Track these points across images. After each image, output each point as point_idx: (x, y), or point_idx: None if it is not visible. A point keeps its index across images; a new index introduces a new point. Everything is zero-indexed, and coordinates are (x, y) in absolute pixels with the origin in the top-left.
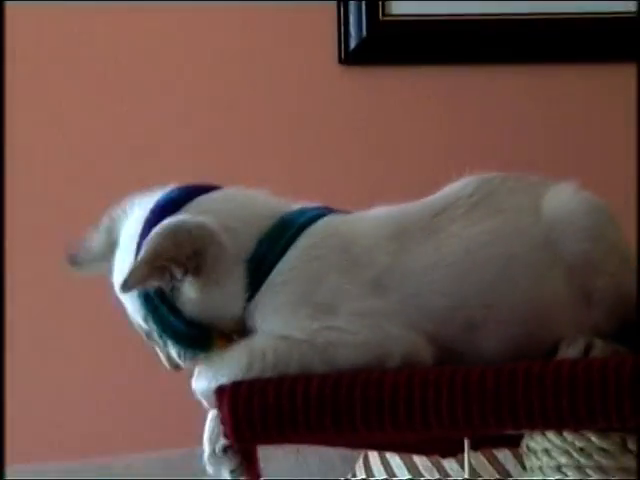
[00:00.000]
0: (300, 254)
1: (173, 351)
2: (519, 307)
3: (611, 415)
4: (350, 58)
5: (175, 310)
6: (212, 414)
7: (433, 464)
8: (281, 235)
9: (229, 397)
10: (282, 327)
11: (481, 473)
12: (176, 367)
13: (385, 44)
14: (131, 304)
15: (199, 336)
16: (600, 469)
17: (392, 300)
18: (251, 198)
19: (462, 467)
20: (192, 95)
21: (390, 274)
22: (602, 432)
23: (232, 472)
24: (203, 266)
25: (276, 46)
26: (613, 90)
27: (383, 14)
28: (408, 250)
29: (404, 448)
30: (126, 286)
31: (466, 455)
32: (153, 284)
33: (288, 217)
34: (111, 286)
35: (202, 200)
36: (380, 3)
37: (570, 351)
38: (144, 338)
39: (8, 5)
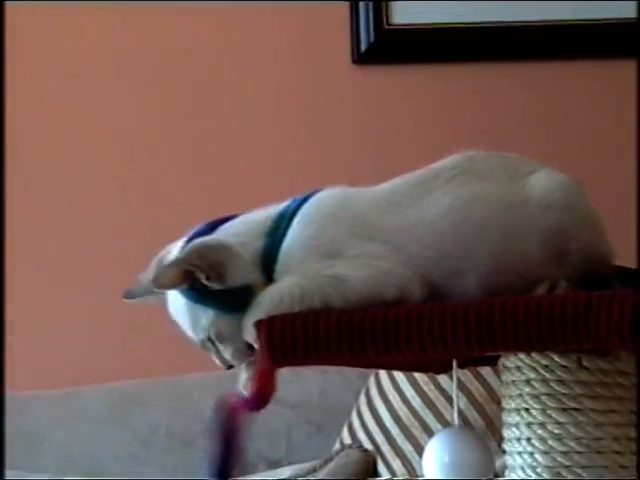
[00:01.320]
0: (297, 226)
1: (227, 353)
2: (494, 260)
3: (569, 339)
4: (361, 59)
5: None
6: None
7: (429, 379)
8: (280, 223)
9: (266, 329)
10: (301, 271)
11: (467, 385)
12: (229, 367)
13: (389, 47)
14: (182, 317)
15: (242, 295)
16: (561, 382)
17: (385, 248)
18: (255, 214)
19: (452, 380)
20: (215, 91)
21: (379, 231)
22: (562, 352)
23: None
24: (225, 274)
25: (302, 48)
26: (613, 86)
27: (387, 24)
28: (396, 212)
29: (407, 367)
30: (156, 281)
31: (454, 372)
32: (183, 285)
33: (283, 209)
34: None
35: (220, 229)
36: (384, 15)
37: (539, 290)
38: (201, 347)
39: (8, 5)
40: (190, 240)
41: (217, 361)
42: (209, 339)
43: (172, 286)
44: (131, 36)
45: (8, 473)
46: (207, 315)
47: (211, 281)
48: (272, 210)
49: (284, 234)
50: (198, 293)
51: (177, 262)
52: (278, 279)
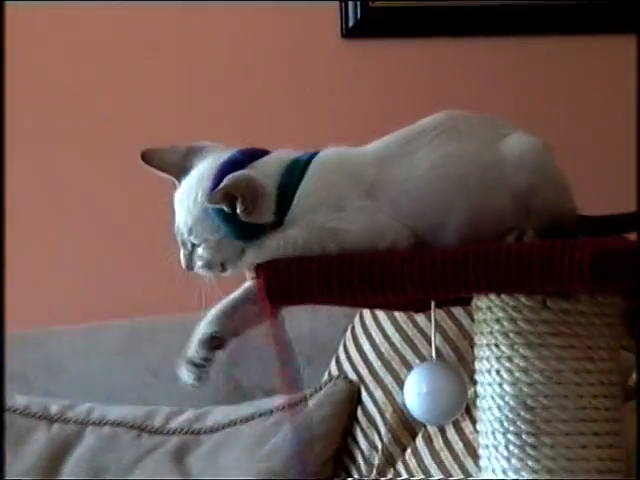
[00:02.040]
0: (310, 178)
1: (200, 260)
2: (470, 213)
3: (534, 282)
4: (349, 34)
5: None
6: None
7: (408, 318)
8: (294, 169)
9: (265, 271)
10: (307, 221)
11: (442, 324)
12: (190, 268)
13: (373, 24)
14: (188, 215)
15: (257, 230)
16: (527, 321)
17: (381, 202)
18: (277, 155)
19: (429, 319)
20: (213, 63)
21: (376, 186)
22: (529, 294)
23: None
24: (255, 210)
25: (297, 24)
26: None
27: (372, 2)
28: (389, 168)
29: (388, 307)
30: (211, 199)
31: (432, 311)
32: (223, 206)
33: (297, 158)
34: (171, 198)
35: (253, 165)
36: None
37: (508, 238)
38: (178, 239)
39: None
40: (230, 164)
41: (182, 258)
42: (195, 243)
43: (216, 204)
44: (131, 31)
45: (32, 400)
46: (217, 230)
47: (243, 212)
48: (287, 156)
49: (298, 183)
50: (224, 213)
51: (229, 186)
52: (288, 223)
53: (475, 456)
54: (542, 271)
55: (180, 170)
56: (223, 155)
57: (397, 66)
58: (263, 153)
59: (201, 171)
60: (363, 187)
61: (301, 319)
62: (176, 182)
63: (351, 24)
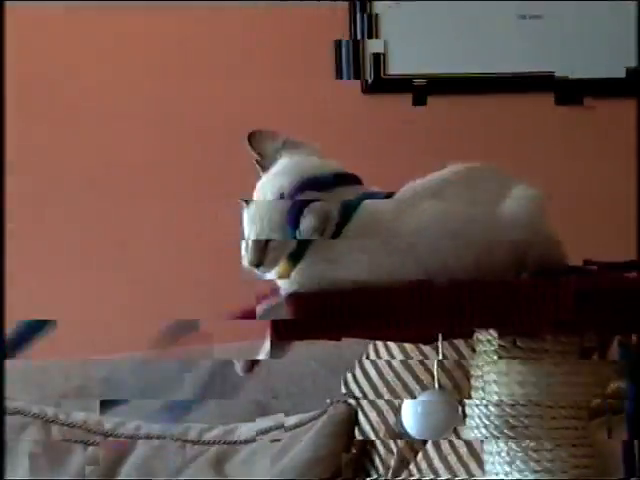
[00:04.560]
0: (351, 226)
1: (274, 250)
2: (471, 266)
3: (523, 322)
4: (369, 89)
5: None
6: None
7: (416, 347)
8: (346, 210)
9: (294, 303)
10: (337, 263)
11: (445, 353)
12: (258, 264)
13: (389, 85)
14: (269, 214)
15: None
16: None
17: (397, 245)
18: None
19: (434, 350)
20: (238, 115)
21: (393, 235)
22: (500, 335)
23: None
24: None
25: (323, 81)
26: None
27: (384, 73)
28: (402, 219)
29: (398, 339)
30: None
31: (440, 343)
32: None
33: (350, 201)
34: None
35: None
36: (382, 67)
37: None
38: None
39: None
40: (315, 183)
41: (244, 252)
42: (265, 242)
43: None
44: (138, 37)
45: (89, 416)
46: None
47: (309, 234)
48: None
49: (344, 225)
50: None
51: (322, 209)
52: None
53: (478, 459)
54: (527, 311)
55: (270, 162)
56: (312, 162)
57: (414, 120)
58: (353, 179)
59: (286, 169)
60: (383, 233)
61: (322, 347)
62: (260, 170)
63: (370, 81)
